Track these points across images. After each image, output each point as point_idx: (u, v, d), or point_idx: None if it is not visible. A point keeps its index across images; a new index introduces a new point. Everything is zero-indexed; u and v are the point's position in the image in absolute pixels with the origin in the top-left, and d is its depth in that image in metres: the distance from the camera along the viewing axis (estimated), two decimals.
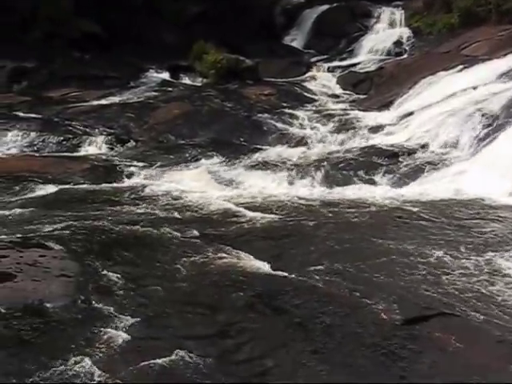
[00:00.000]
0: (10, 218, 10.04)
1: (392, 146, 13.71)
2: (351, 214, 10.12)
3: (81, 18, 22.75)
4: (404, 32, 25.27)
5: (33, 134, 15.78)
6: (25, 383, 5.48)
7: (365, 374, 5.70)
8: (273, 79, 22.43)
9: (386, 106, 17.48)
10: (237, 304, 7.01)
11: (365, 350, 6.02)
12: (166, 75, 22.84)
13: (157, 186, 12.12)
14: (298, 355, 5.98)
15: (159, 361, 5.78)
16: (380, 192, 11.42)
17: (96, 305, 6.90)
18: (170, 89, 21.10)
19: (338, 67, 23.77)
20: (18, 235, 8.91)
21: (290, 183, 12.29)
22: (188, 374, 5.66)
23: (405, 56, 23.53)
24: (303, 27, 27.73)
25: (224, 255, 8.28)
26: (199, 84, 22.13)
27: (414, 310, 6.75)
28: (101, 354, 5.92)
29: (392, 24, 26.32)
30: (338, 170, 12.62)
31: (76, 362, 5.74)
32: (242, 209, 10.54)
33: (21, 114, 17.69)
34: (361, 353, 5.99)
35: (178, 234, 9.15)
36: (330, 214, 10.16)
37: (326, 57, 25.62)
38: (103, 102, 19.31)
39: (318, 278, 7.58)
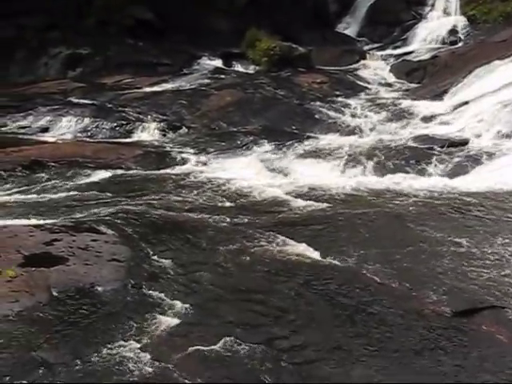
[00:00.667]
0: (63, 202, 10.21)
1: (445, 135, 13.52)
2: (402, 203, 10.03)
3: (134, 6, 22.93)
4: (459, 20, 24.78)
5: (86, 120, 16.01)
6: (75, 364, 5.58)
7: (414, 367, 5.67)
8: (325, 67, 22.26)
9: (439, 95, 17.26)
10: (285, 292, 7.02)
11: (415, 343, 5.98)
12: (218, 62, 22.80)
13: (208, 173, 12.16)
14: (347, 345, 5.96)
15: (207, 347, 5.83)
16: (431, 182, 11.28)
17: (146, 290, 6.97)
18: (222, 76, 21.12)
19: (392, 56, 23.50)
20: (71, 219, 9.05)
21: (342, 172, 12.21)
22: (236, 360, 5.69)
23: (459, 45, 23.11)
24: (357, 15, 27.44)
25: (273, 243, 8.28)
26: (252, 71, 22.10)
27: (463, 303, 6.68)
28: (149, 339, 5.99)
29: (447, 12, 25.84)
30: (390, 159, 12.49)
31: (124, 346, 5.82)
32: (292, 197, 10.53)
33: (75, 100, 17.98)
34: (411, 345, 5.95)
35: (228, 221, 9.18)
36: (381, 204, 10.09)
37: (379, 45, 25.30)
38: (156, 88, 19.47)
39: (367, 267, 7.55)
